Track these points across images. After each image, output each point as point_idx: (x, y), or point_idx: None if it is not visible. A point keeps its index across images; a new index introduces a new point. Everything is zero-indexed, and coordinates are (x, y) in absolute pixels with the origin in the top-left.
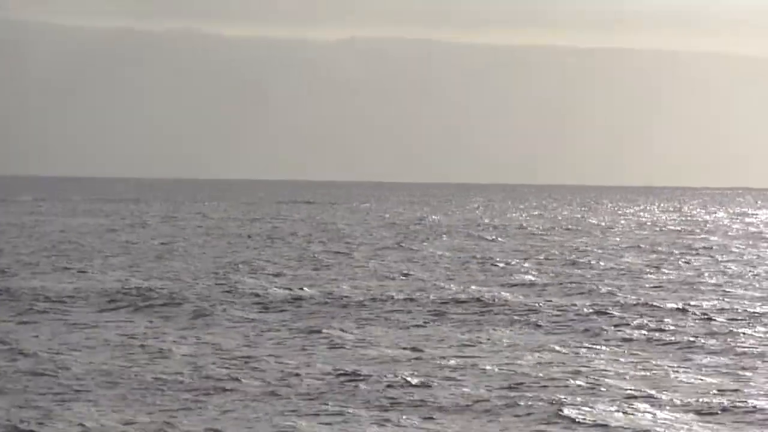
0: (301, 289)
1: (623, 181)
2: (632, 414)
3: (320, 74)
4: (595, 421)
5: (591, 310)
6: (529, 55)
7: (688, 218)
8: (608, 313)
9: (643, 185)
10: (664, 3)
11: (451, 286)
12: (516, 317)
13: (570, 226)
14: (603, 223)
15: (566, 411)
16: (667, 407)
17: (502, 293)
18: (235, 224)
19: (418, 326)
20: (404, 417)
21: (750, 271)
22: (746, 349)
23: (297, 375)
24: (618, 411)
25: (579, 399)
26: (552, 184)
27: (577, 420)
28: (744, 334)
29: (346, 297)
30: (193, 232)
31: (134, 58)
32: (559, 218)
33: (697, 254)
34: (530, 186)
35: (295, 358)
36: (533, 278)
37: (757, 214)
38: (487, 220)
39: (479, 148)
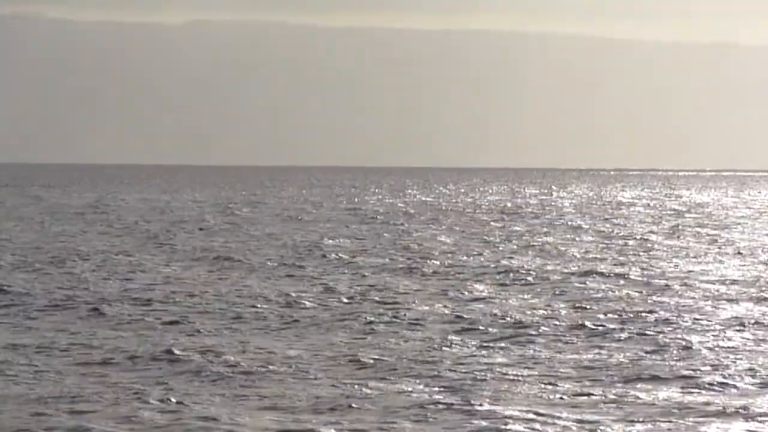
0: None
1: (491, 162)
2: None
3: (164, 58)
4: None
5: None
6: (379, 36)
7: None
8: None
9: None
10: None
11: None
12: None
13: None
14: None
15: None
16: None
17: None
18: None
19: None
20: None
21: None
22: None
23: None
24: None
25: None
26: (394, 166)
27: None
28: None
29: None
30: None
31: None
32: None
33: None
34: (366, 168)
35: None
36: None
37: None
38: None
39: (329, 131)
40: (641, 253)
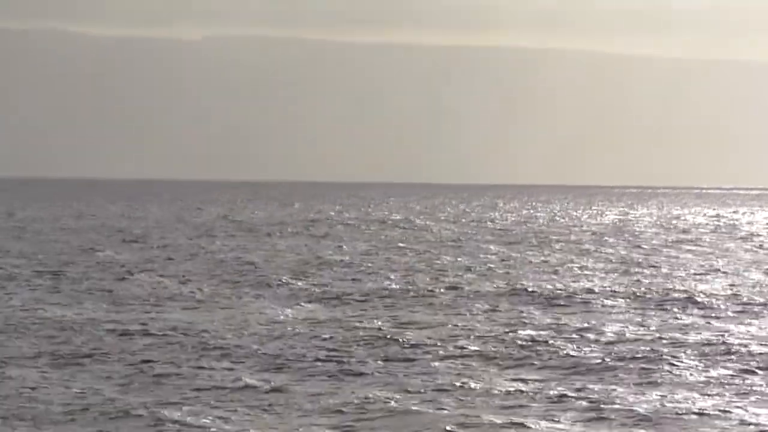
0: None
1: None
2: None
3: (178, 73)
4: None
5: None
6: (392, 54)
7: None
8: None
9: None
10: (533, 2)
11: None
12: None
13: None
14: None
15: None
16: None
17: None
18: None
19: None
20: None
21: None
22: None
23: None
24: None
25: None
26: (409, 182)
27: None
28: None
29: None
30: None
31: None
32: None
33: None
34: (374, 184)
35: None
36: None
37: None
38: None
39: (345, 146)
40: (519, 266)
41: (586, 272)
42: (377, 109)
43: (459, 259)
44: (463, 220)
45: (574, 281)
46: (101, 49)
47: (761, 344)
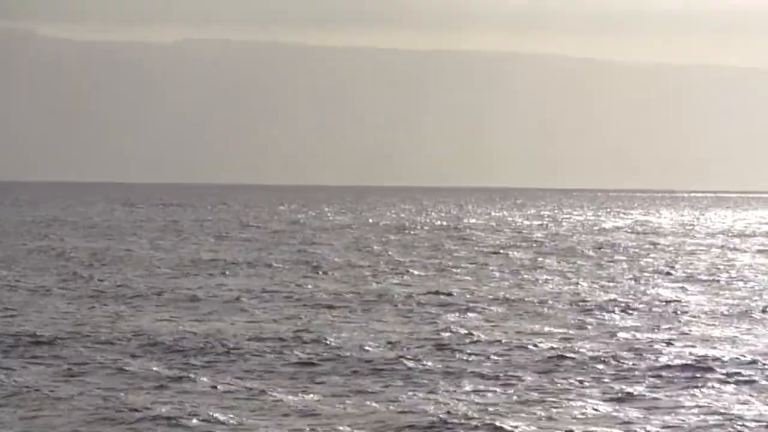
0: None
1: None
2: None
3: (148, 76)
4: None
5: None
6: (367, 57)
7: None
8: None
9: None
10: (506, 7)
11: None
12: None
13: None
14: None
15: None
16: None
17: None
18: None
19: None
20: None
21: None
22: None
23: None
24: None
25: None
26: (382, 185)
27: None
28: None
29: None
30: None
31: None
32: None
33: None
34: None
35: None
36: None
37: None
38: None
39: (318, 150)
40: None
41: (474, 276)
42: (351, 112)
43: (346, 259)
44: (385, 224)
45: (455, 286)
46: (71, 53)
47: (604, 352)
